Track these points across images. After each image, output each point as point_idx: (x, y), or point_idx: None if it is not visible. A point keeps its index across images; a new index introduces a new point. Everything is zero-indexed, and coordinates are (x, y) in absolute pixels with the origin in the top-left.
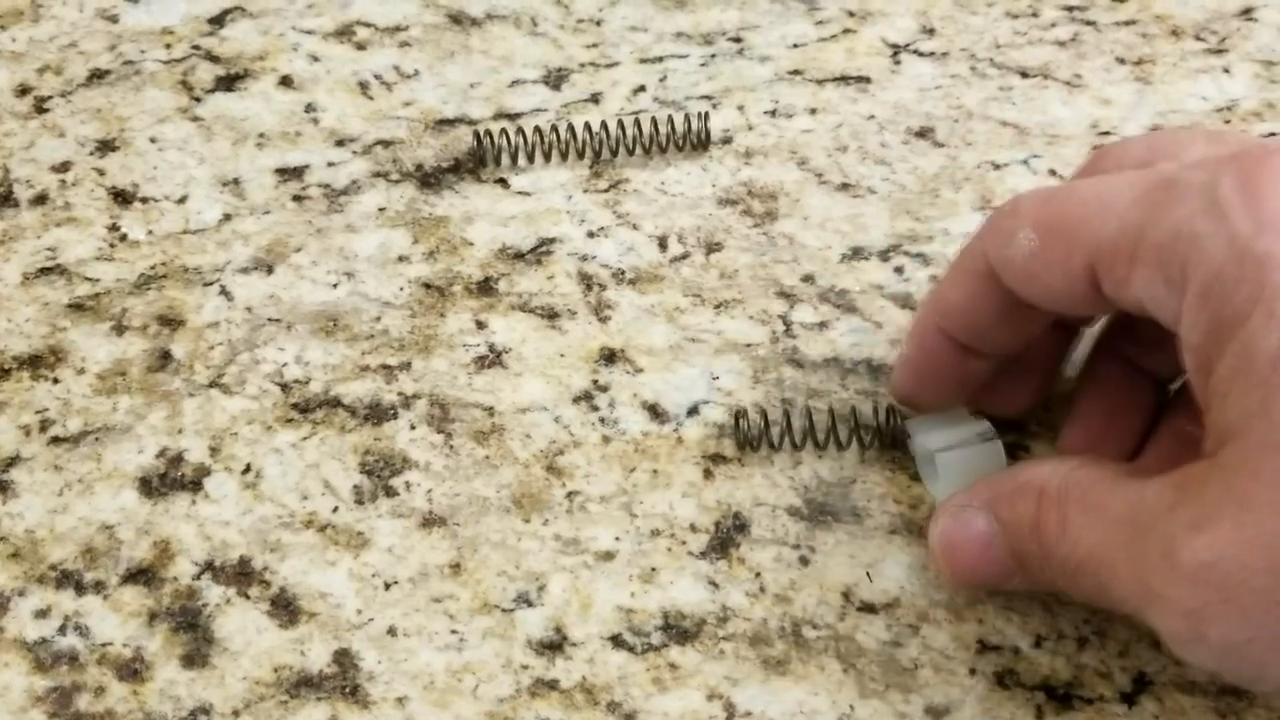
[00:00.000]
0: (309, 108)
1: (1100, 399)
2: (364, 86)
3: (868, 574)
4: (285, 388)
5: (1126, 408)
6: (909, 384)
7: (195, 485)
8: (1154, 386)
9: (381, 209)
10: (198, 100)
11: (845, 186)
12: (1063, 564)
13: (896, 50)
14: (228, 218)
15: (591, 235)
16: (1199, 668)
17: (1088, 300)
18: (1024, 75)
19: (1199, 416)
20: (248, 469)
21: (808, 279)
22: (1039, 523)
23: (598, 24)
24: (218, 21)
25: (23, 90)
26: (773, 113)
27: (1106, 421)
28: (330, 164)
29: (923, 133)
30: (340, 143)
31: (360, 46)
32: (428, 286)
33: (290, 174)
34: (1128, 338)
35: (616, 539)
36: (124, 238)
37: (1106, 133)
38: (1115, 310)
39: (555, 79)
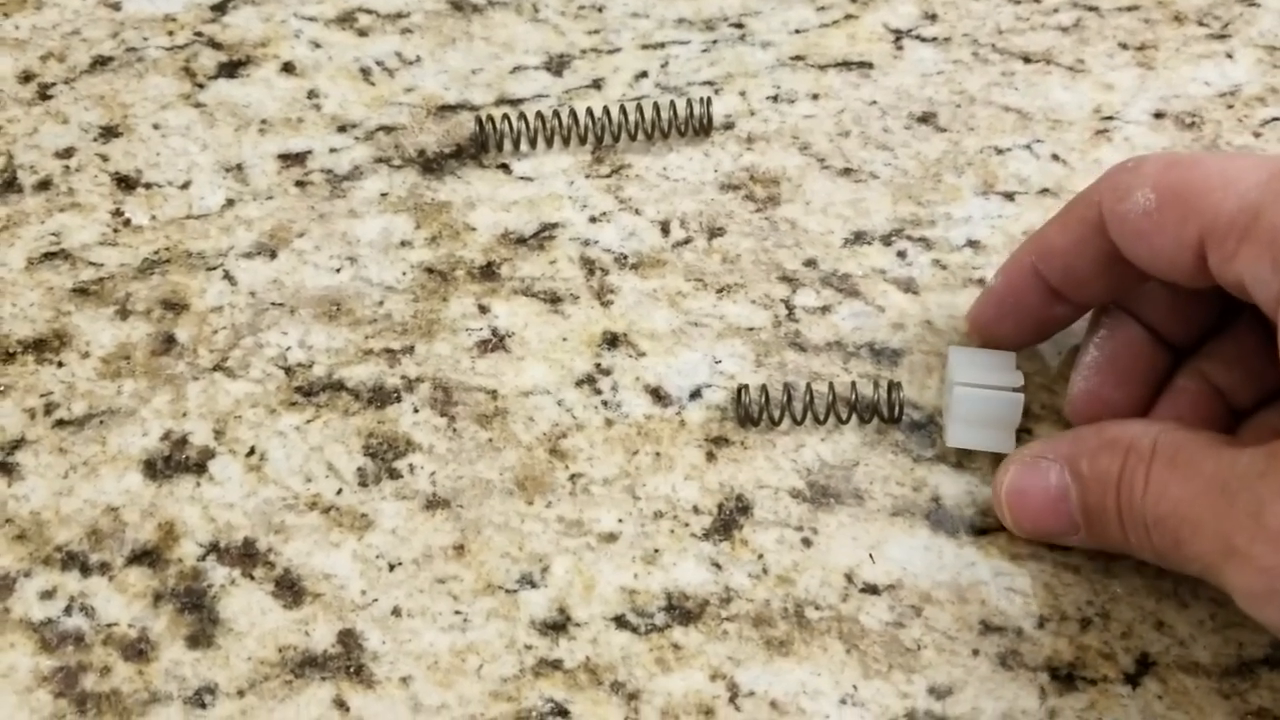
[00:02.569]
0: (311, 94)
1: (1114, 358)
2: (366, 73)
3: (870, 555)
4: (289, 371)
5: (1139, 368)
6: (989, 315)
7: (200, 468)
8: (1166, 350)
9: (384, 194)
10: (200, 87)
11: (847, 171)
12: (1140, 518)
13: (899, 35)
14: (231, 203)
15: (593, 220)
16: (1266, 624)
17: (1191, 269)
18: (1026, 60)
19: (1214, 380)
20: (252, 451)
21: (810, 263)
22: (1123, 478)
23: (599, 10)
24: (220, 8)
25: (26, 77)
26: (775, 98)
27: (1119, 380)
28: (332, 150)
29: (925, 118)
30: (342, 129)
31: (362, 33)
32: (430, 271)
33: (293, 160)
34: (1144, 300)
35: (619, 521)
36: (128, 223)
37: (1109, 117)
38: (1213, 284)
39: (557, 65)
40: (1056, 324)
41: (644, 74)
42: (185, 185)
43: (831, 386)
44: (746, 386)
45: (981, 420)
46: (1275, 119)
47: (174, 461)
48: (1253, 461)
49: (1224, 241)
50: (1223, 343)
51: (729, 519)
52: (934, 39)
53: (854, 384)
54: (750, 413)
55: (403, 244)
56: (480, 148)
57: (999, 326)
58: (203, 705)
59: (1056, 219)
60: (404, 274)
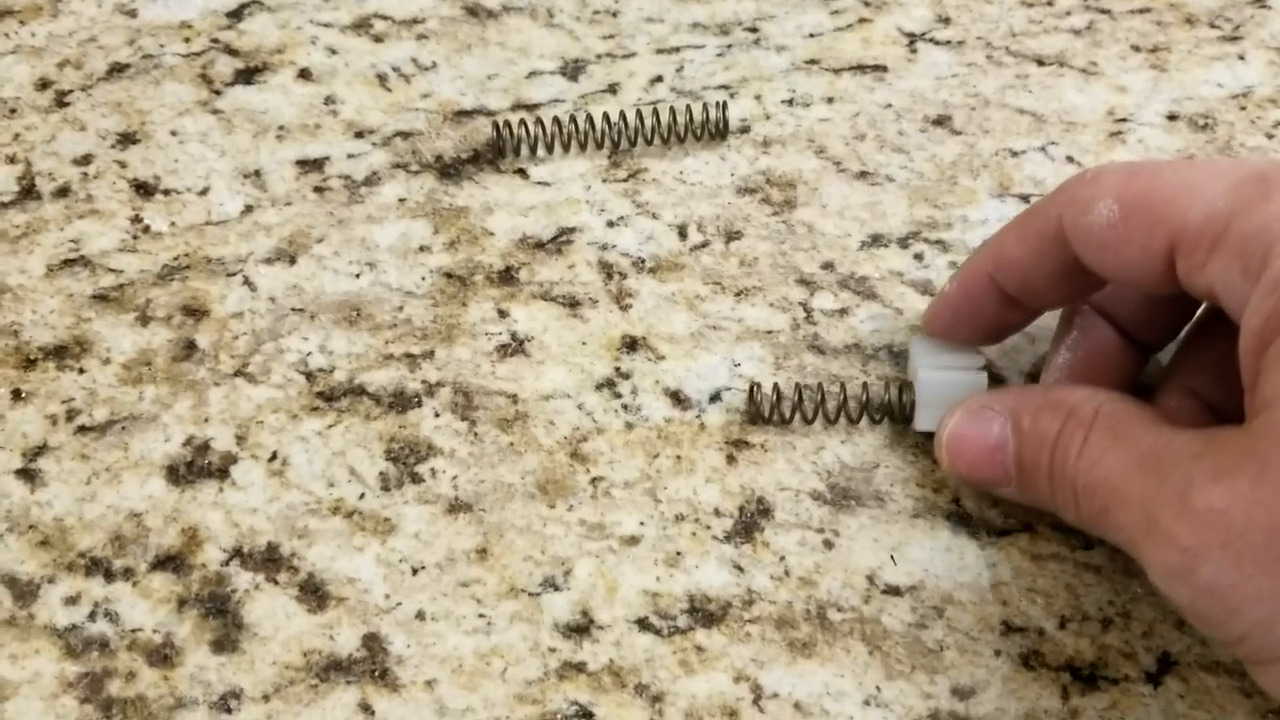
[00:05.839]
0: (328, 100)
1: (1086, 360)
2: (382, 79)
3: (892, 557)
4: (310, 376)
5: (1111, 370)
6: (943, 320)
7: (222, 473)
8: (1138, 351)
9: (402, 200)
10: (217, 93)
11: (863, 174)
12: (1071, 482)
13: (913, 39)
14: (249, 209)
15: (611, 224)
16: (1177, 603)
17: (1158, 278)
18: (1040, 63)
19: (1205, 396)
20: (274, 457)
21: (827, 266)
22: (1060, 439)
23: (614, 15)
24: (236, 15)
25: (43, 84)
26: (790, 102)
27: (1091, 382)
28: (350, 155)
29: (940, 121)
30: (359, 134)
31: (378, 39)
32: (449, 276)
33: (311, 165)
34: (1116, 302)
35: (641, 524)
36: (147, 229)
37: (1123, 120)
38: (1179, 290)
39: (572, 70)
40: (1013, 327)
41: (659, 78)
42: (204, 192)
43: (843, 386)
44: (759, 384)
45: (948, 403)
46: None
47: (196, 467)
48: (1189, 442)
49: (1193, 250)
50: (1204, 355)
51: (750, 521)
52: (948, 42)
53: (865, 384)
54: (760, 411)
55: (421, 249)
56: (497, 153)
57: (955, 331)
58: (228, 710)
59: (1012, 231)
60: (423, 279)
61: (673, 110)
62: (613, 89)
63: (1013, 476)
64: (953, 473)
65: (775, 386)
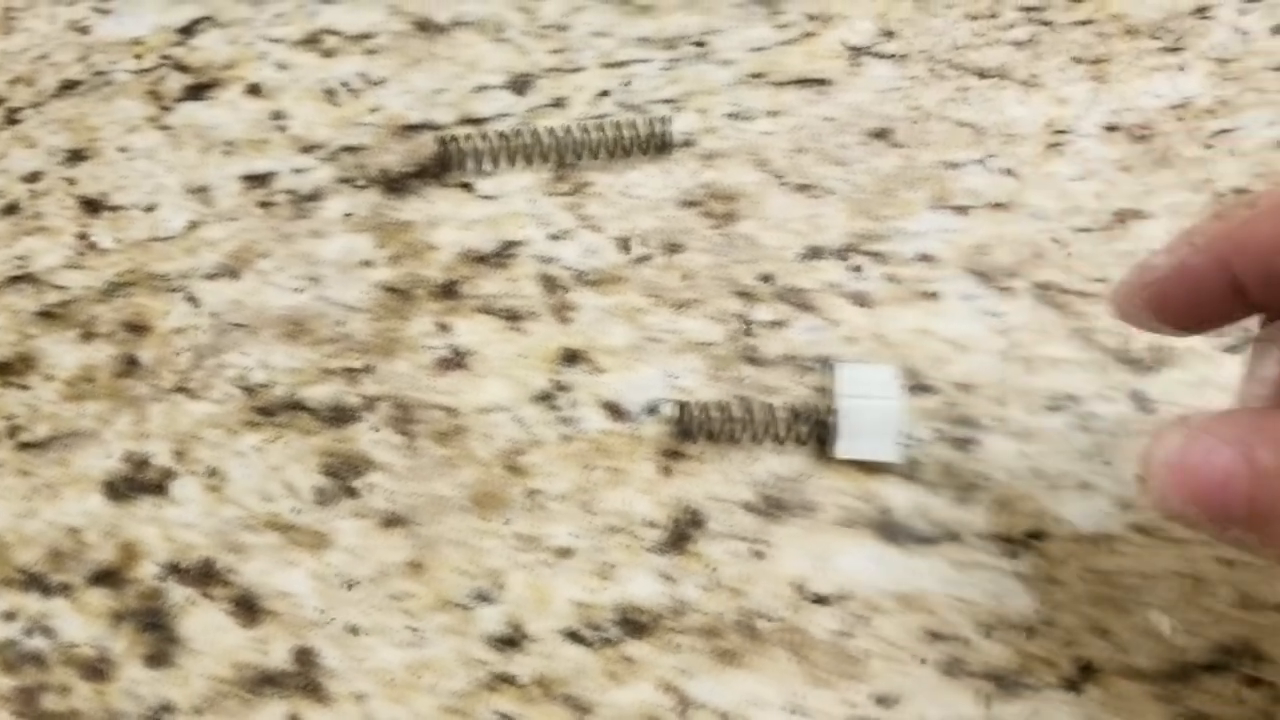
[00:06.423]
0: (276, 115)
1: None
2: (331, 94)
3: (820, 566)
4: (249, 391)
5: None
6: (1141, 298)
7: (160, 488)
8: None
9: (347, 214)
10: (167, 109)
11: (804, 187)
12: None
13: (856, 53)
14: (195, 225)
15: (554, 238)
16: None
17: None
18: (981, 76)
19: None
20: (212, 472)
21: (766, 278)
22: None
23: (562, 30)
24: (187, 31)
25: None
26: (734, 115)
27: None
28: (296, 171)
29: (880, 133)
30: (306, 149)
31: (328, 54)
32: (391, 290)
33: (257, 181)
34: None
35: (574, 536)
36: (93, 246)
37: (1062, 131)
38: None
39: (520, 84)
40: (1223, 321)
41: (606, 93)
42: (150, 208)
43: (771, 408)
44: (688, 403)
45: (865, 430)
46: (1225, 130)
47: (135, 482)
48: None
49: None
50: None
51: (682, 532)
52: (891, 56)
53: (794, 407)
54: (689, 429)
55: (364, 263)
56: (443, 167)
57: (1151, 312)
58: None
59: (1271, 202)
60: (365, 293)
61: (618, 125)
62: (559, 103)
63: (1238, 518)
64: (1164, 507)
65: (704, 406)
